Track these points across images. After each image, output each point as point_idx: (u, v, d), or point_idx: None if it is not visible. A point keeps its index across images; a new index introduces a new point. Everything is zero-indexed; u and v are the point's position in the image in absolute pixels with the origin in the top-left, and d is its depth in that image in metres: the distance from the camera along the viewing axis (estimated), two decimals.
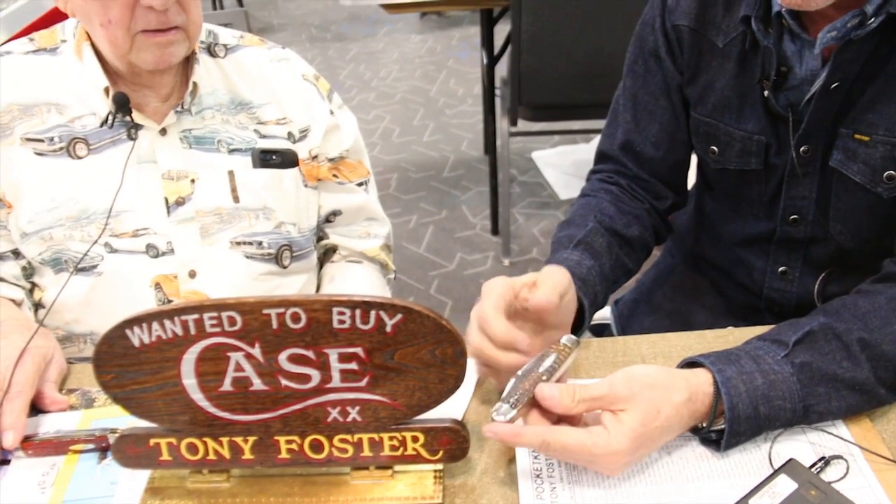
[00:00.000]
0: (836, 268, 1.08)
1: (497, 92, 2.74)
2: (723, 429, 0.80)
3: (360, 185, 1.29)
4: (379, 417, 0.76)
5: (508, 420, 0.76)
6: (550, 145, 3.54)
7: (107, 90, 1.07)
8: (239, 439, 0.77)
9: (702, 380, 0.81)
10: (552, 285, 0.86)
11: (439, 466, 0.81)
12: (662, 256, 1.38)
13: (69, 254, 1.08)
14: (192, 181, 1.12)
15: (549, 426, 0.77)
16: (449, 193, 3.25)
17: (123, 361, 0.72)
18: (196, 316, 0.70)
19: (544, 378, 0.79)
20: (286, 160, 1.18)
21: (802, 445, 0.82)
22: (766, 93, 0.99)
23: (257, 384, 0.74)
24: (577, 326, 0.95)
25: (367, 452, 0.78)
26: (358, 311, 0.69)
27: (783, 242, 1.10)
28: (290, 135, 1.19)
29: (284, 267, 1.19)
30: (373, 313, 0.70)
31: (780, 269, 1.12)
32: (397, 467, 0.81)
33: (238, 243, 1.15)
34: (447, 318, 0.71)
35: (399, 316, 0.70)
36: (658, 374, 0.79)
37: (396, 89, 4.23)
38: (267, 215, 1.16)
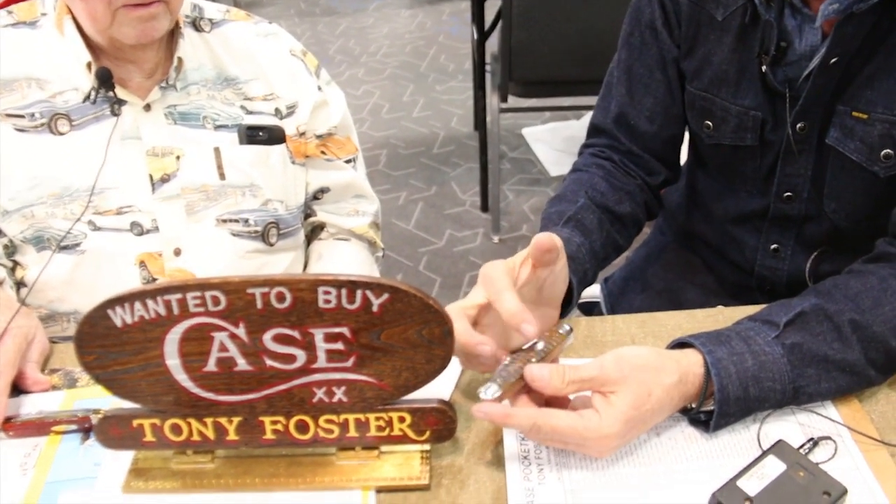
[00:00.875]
0: (829, 247, 1.08)
1: (487, 68, 2.71)
2: (712, 410, 0.80)
3: (348, 161, 1.28)
4: (365, 398, 0.75)
5: (495, 399, 0.75)
6: (541, 122, 3.52)
7: (89, 65, 1.05)
8: (223, 420, 0.77)
9: (692, 361, 0.80)
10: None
11: (426, 447, 0.81)
12: (653, 234, 1.37)
13: (51, 232, 1.06)
14: (178, 158, 1.10)
15: (540, 409, 0.76)
16: (438, 170, 3.23)
17: (106, 342, 0.71)
18: (179, 296, 0.69)
19: (534, 360, 0.78)
20: (273, 137, 1.17)
21: (791, 426, 0.82)
22: (764, 68, 0.98)
23: (242, 364, 0.73)
24: (566, 305, 0.95)
25: (353, 433, 0.78)
26: (344, 291, 0.69)
27: (776, 220, 1.09)
28: (277, 111, 1.17)
29: (271, 245, 1.18)
30: (359, 293, 0.69)
31: (773, 246, 1.11)
32: (384, 448, 0.80)
33: (224, 221, 1.13)
34: (435, 295, 0.70)
35: (386, 295, 0.69)
36: (649, 355, 0.78)
37: (386, 65, 4.19)
38: (253, 192, 1.15)
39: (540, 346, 0.80)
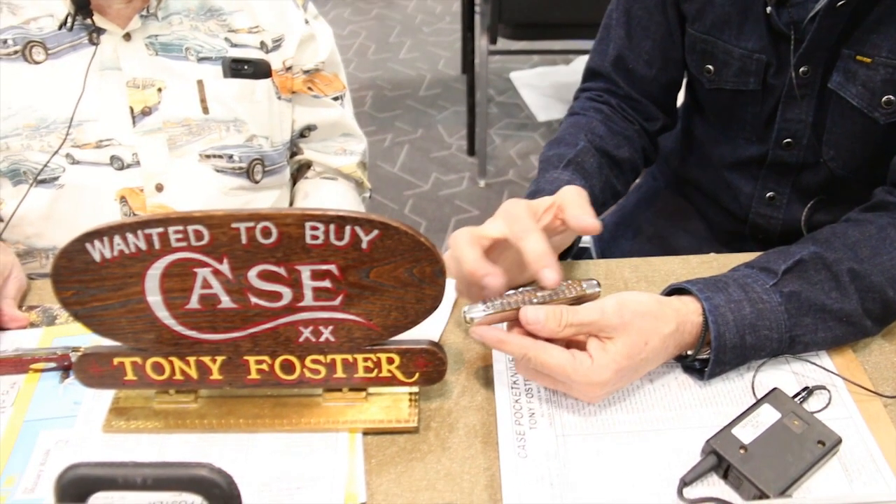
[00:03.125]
0: (826, 196, 1.06)
1: (476, 9, 2.66)
2: (708, 358, 0.78)
3: (335, 99, 1.25)
4: (353, 338, 0.74)
5: (480, 321, 0.74)
6: (529, 66, 3.48)
7: None
8: (207, 359, 0.75)
9: (690, 309, 0.78)
10: (581, 206, 0.79)
11: (415, 389, 0.80)
12: (645, 179, 1.35)
13: (28, 165, 1.02)
14: (159, 90, 1.06)
15: (535, 341, 0.74)
16: (425, 113, 3.19)
17: (84, 277, 0.68)
18: (161, 229, 0.66)
19: (535, 301, 0.75)
20: (258, 71, 1.13)
21: (786, 375, 0.81)
22: (768, 9, 0.95)
23: (226, 302, 0.71)
24: (566, 251, 0.93)
25: (340, 374, 0.76)
26: (332, 227, 0.66)
27: (774, 167, 1.07)
28: (262, 44, 1.13)
29: (256, 182, 1.15)
30: (348, 229, 0.66)
31: (769, 194, 1.09)
32: (371, 390, 0.79)
33: (207, 156, 1.10)
34: None
35: (375, 232, 0.67)
36: (650, 302, 0.76)
37: (373, 4, 4.11)
38: (238, 128, 1.11)
39: (549, 291, 0.76)
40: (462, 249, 0.74)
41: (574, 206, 0.78)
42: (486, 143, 2.79)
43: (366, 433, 0.77)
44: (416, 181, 2.81)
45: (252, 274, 0.69)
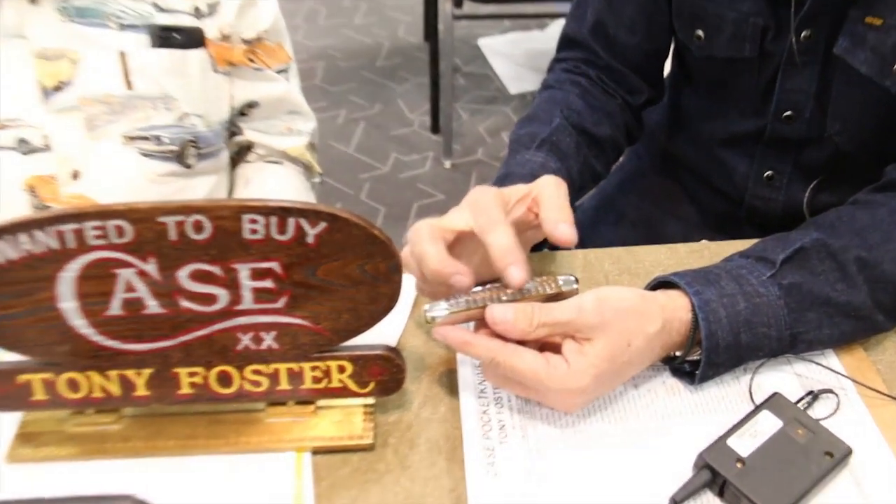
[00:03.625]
0: (830, 175, 1.07)
1: None
2: (698, 360, 0.78)
3: (280, 72, 1.24)
4: (299, 344, 0.73)
5: (445, 321, 0.74)
6: (500, 31, 3.49)
7: None
8: (131, 372, 0.73)
9: (678, 305, 0.78)
10: (559, 207, 0.78)
11: (370, 401, 0.79)
12: (628, 158, 1.36)
13: None
14: (74, 62, 1.04)
15: (505, 343, 0.73)
16: (383, 85, 3.19)
17: None
18: (75, 225, 0.65)
19: (504, 299, 0.75)
20: (191, 39, 1.11)
21: (788, 378, 0.81)
22: None
23: (152, 307, 0.69)
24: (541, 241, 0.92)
25: (284, 385, 0.75)
26: (273, 219, 0.65)
27: (773, 143, 1.07)
28: (196, 10, 1.12)
29: (188, 167, 1.13)
30: (291, 221, 0.65)
31: (767, 173, 1.10)
32: (320, 402, 0.78)
33: (132, 138, 1.08)
34: (380, 227, 0.67)
35: (323, 224, 0.66)
36: (633, 298, 0.75)
37: None
38: (167, 105, 1.09)
39: (526, 286, 0.76)
40: (424, 246, 0.74)
41: (551, 206, 0.77)
42: (451, 118, 2.79)
43: (315, 452, 0.76)
44: (374, 163, 2.80)
45: (183, 274, 0.68)
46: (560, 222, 0.76)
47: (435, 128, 2.94)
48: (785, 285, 0.80)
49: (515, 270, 0.72)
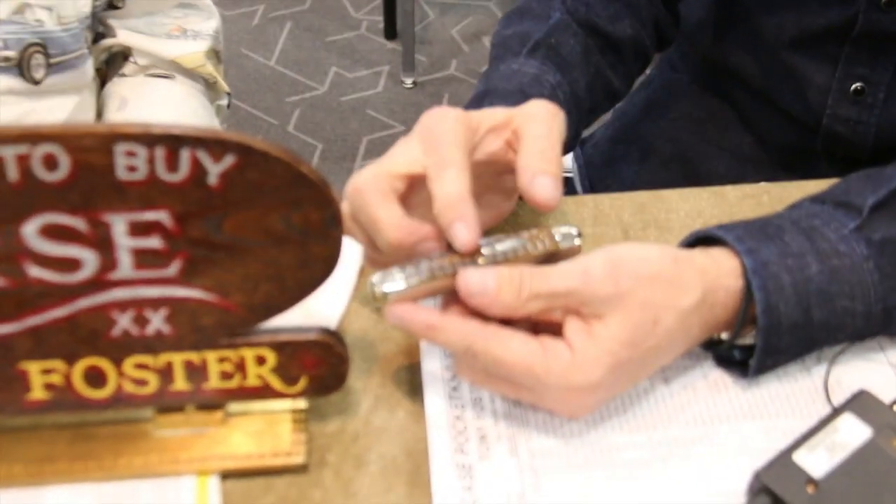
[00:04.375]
0: None
1: None
2: (753, 344, 0.79)
3: None
4: (200, 326, 0.73)
5: (399, 297, 0.73)
6: None
7: None
8: None
9: (724, 268, 0.78)
10: (542, 151, 0.78)
11: (301, 404, 0.80)
12: (659, 69, 1.37)
13: None
14: None
15: (484, 325, 0.73)
16: None
17: None
18: None
19: (479, 262, 0.75)
20: None
21: (880, 369, 0.82)
22: None
23: None
24: None
25: (180, 385, 0.76)
26: (159, 151, 0.65)
27: (865, 40, 1.08)
28: None
29: (36, 82, 1.13)
30: (185, 154, 0.65)
31: (855, 85, 1.11)
32: (232, 407, 0.79)
33: None
34: (315, 168, 0.67)
35: (230, 159, 0.65)
36: (660, 260, 0.76)
37: None
38: None
39: (502, 246, 0.76)
40: (374, 211, 0.74)
41: (532, 148, 0.77)
42: (413, 18, 2.79)
43: (224, 476, 0.77)
44: (306, 80, 2.81)
45: (30, 230, 0.67)
46: (539, 174, 0.76)
47: (390, 32, 2.94)
48: (876, 241, 0.80)
49: (461, 229, 0.72)
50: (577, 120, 1.01)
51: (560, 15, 1.03)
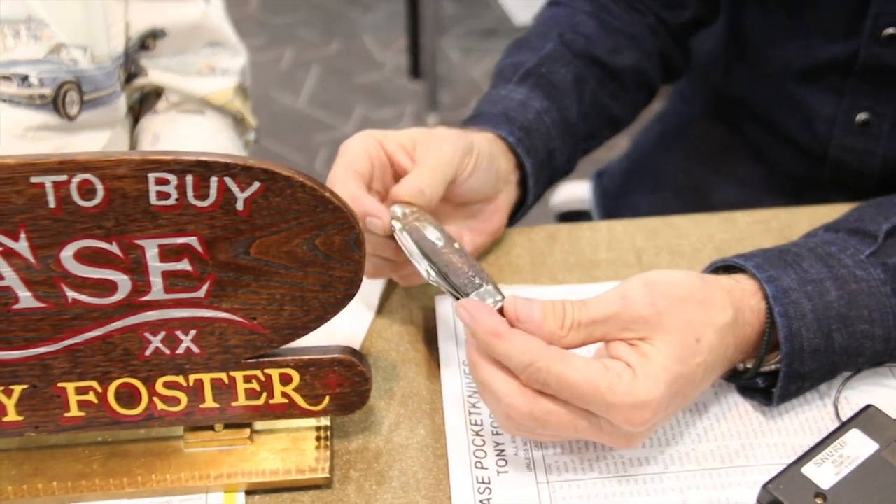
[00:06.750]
0: None
1: None
2: (774, 370, 0.79)
3: None
4: (228, 347, 0.74)
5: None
6: None
7: None
8: None
9: (747, 289, 0.78)
10: (434, 167, 0.84)
11: (325, 422, 0.80)
12: (671, 103, 1.37)
13: None
14: None
15: (545, 345, 0.72)
16: (342, 15, 3.19)
17: None
18: None
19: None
20: None
21: (885, 387, 0.82)
22: None
23: (26, 299, 0.70)
24: (520, 206, 0.95)
25: (209, 403, 0.76)
26: (190, 178, 0.66)
27: (869, 74, 1.08)
28: None
29: (70, 118, 1.14)
30: (214, 181, 0.66)
31: (861, 116, 1.10)
32: (258, 425, 0.79)
33: None
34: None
35: (256, 185, 0.67)
36: (689, 283, 0.76)
37: None
38: (35, 32, 1.10)
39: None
40: (340, 183, 0.83)
41: (425, 165, 0.85)
42: (436, 58, 2.80)
43: (250, 492, 0.77)
44: (333, 120, 2.81)
45: (67, 255, 0.68)
46: (370, 215, 0.82)
47: (414, 72, 2.94)
48: (892, 266, 0.80)
49: (371, 221, 0.81)
50: (570, 144, 1.02)
51: (553, 46, 1.04)
